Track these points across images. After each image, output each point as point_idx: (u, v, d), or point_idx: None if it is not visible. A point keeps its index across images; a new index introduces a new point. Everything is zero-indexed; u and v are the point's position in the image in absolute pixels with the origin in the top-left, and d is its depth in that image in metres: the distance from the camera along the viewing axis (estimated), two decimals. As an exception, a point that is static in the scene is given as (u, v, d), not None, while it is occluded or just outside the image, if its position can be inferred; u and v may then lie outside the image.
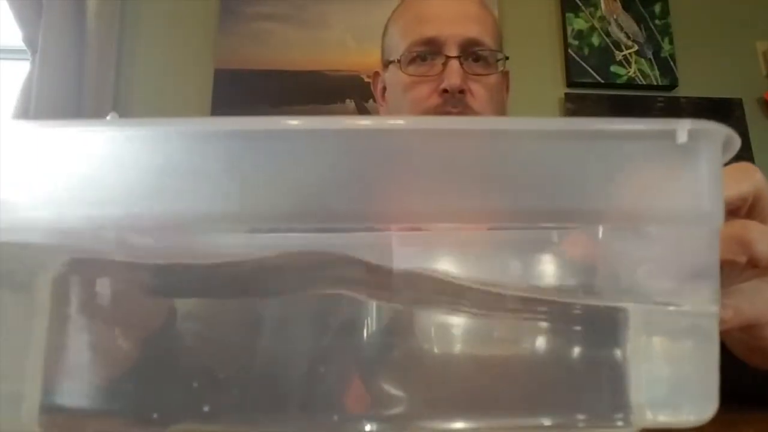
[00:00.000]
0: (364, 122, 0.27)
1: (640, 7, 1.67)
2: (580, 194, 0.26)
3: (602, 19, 1.65)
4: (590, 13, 1.65)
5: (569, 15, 1.65)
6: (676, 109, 1.60)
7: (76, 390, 0.28)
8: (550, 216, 0.26)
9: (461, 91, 0.64)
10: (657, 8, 1.67)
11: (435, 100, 0.65)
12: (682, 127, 0.25)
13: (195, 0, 1.59)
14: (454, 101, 0.65)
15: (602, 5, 1.66)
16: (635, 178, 0.26)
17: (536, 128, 0.26)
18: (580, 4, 1.66)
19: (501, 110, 0.71)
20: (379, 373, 0.29)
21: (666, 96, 1.62)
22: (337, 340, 0.29)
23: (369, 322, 0.29)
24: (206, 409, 0.27)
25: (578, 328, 0.29)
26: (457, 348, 0.30)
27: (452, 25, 0.67)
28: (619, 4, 1.66)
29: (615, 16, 1.65)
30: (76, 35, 1.45)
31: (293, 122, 0.26)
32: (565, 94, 1.60)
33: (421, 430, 0.29)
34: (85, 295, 0.29)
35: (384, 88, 0.75)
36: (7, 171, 0.26)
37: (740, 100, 1.62)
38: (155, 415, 0.28)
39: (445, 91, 0.64)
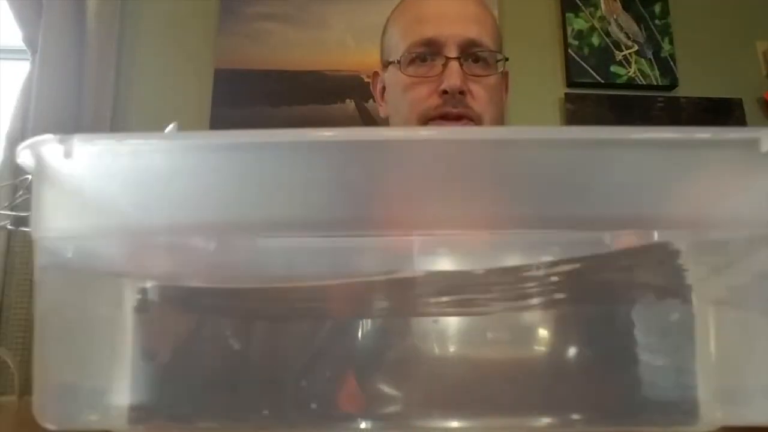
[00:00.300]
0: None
1: (640, 7, 1.66)
2: (659, 201, 0.27)
3: (602, 19, 1.65)
4: (590, 13, 1.65)
5: (569, 15, 1.64)
6: (676, 109, 1.60)
7: (162, 392, 0.30)
8: (629, 222, 0.27)
9: (461, 92, 0.64)
10: (657, 8, 1.67)
11: (435, 100, 0.65)
12: (767, 136, 0.25)
13: (195, 0, 1.59)
14: (453, 102, 0.64)
15: (602, 5, 1.66)
16: (714, 184, 0.26)
17: (617, 137, 0.27)
18: (580, 4, 1.65)
19: (500, 111, 0.71)
20: (380, 373, 0.29)
21: (666, 96, 1.62)
22: (332, 340, 0.29)
23: (364, 321, 0.30)
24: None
25: (631, 315, 0.29)
26: (471, 349, 0.30)
27: (452, 26, 0.67)
28: (619, 4, 1.66)
29: (615, 16, 1.65)
30: (76, 35, 1.45)
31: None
32: (565, 94, 1.60)
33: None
34: (162, 313, 0.31)
35: (383, 89, 0.75)
36: (85, 182, 0.28)
37: (740, 100, 1.62)
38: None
39: (445, 92, 0.64)
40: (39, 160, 0.29)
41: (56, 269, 0.30)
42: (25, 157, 0.30)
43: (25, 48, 1.45)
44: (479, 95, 0.66)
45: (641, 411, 0.27)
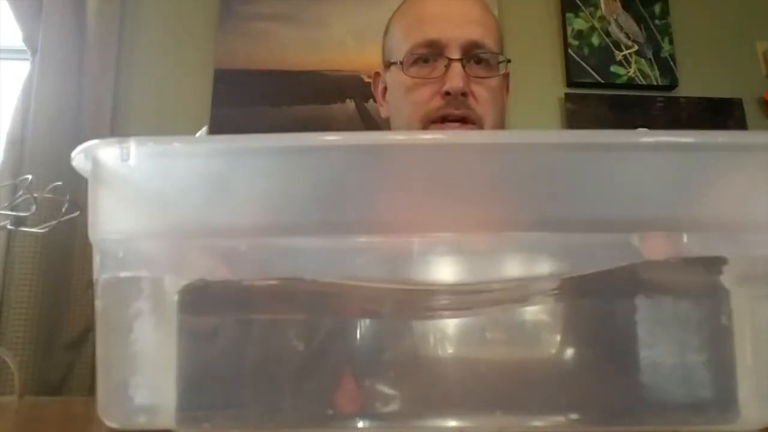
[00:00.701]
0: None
1: (640, 7, 1.66)
2: (686, 204, 0.27)
3: (602, 19, 1.65)
4: (590, 13, 1.65)
5: (569, 15, 1.64)
6: (676, 109, 1.60)
7: (209, 391, 0.30)
8: (647, 224, 0.27)
9: (463, 94, 0.64)
10: (657, 8, 1.67)
11: (437, 102, 0.65)
12: None
13: (195, 0, 1.59)
14: (456, 104, 0.65)
15: (602, 5, 1.66)
16: (743, 187, 0.26)
17: (634, 141, 0.27)
18: (580, 4, 1.65)
19: (502, 112, 0.71)
20: (383, 373, 0.29)
21: (666, 96, 1.62)
22: (331, 340, 0.29)
23: (362, 323, 0.30)
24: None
25: (667, 313, 0.29)
26: (480, 349, 0.30)
27: (454, 28, 0.67)
28: (619, 4, 1.66)
29: (615, 16, 1.65)
30: (76, 35, 1.45)
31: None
32: (565, 94, 1.60)
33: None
34: (201, 313, 0.31)
35: (385, 89, 0.75)
36: (142, 184, 0.29)
37: (740, 100, 1.62)
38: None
39: (447, 93, 0.64)
40: (95, 162, 0.29)
41: (113, 270, 0.30)
42: (79, 160, 0.30)
43: (25, 48, 1.45)
44: (481, 97, 0.66)
45: (680, 410, 0.27)
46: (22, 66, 1.48)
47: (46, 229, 0.50)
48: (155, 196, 0.29)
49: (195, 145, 0.29)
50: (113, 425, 0.29)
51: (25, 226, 0.49)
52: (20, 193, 0.47)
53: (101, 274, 0.30)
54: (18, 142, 1.38)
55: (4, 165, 1.37)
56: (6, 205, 0.48)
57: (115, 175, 0.29)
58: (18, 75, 1.47)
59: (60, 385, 1.30)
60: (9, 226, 0.48)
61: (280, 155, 0.28)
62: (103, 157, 0.29)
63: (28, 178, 0.47)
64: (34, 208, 0.47)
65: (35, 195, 0.47)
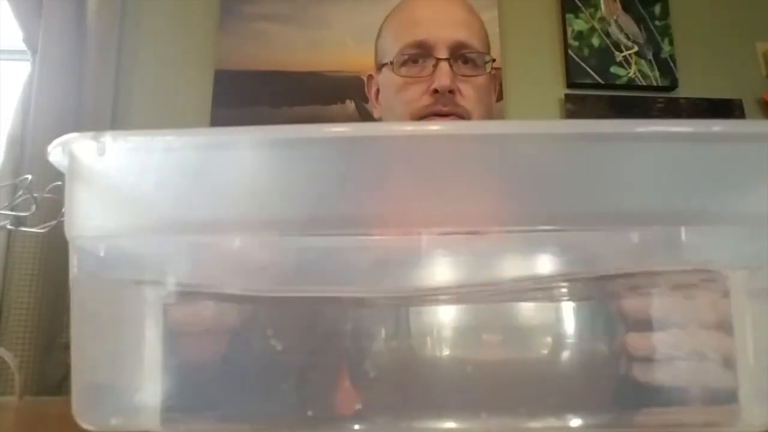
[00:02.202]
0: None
1: (640, 8, 1.67)
2: (684, 197, 0.26)
3: (602, 20, 1.65)
4: (590, 14, 1.65)
5: (569, 16, 1.64)
6: (676, 110, 1.60)
7: (195, 392, 0.30)
8: (649, 219, 0.26)
9: (451, 91, 0.67)
10: (657, 9, 1.67)
11: (426, 100, 0.68)
12: None
13: (195, 0, 1.59)
14: (444, 101, 0.67)
15: (602, 6, 1.66)
16: (740, 178, 0.26)
17: (641, 131, 0.26)
18: (580, 4, 1.66)
19: (489, 110, 0.74)
20: (377, 374, 0.29)
21: (666, 97, 1.62)
22: (322, 342, 0.29)
23: (361, 324, 0.29)
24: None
25: (663, 312, 0.28)
26: (479, 351, 0.30)
27: (442, 29, 0.70)
28: (619, 5, 1.66)
29: (615, 17, 1.65)
30: (76, 35, 1.45)
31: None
32: (565, 95, 1.60)
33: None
34: (187, 313, 0.31)
35: (377, 90, 0.78)
36: (119, 179, 0.28)
37: (740, 100, 1.62)
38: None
39: (436, 91, 0.67)
40: (71, 158, 0.29)
41: (90, 269, 0.30)
42: (56, 155, 0.29)
43: (25, 48, 1.45)
44: (468, 94, 0.68)
45: (680, 411, 0.27)
46: (22, 66, 1.48)
47: (46, 229, 0.50)
48: (134, 191, 0.28)
49: (173, 140, 0.28)
50: (89, 427, 0.28)
51: (25, 226, 0.49)
52: (20, 193, 0.47)
53: (79, 272, 0.30)
54: (18, 142, 1.38)
55: (4, 165, 1.37)
56: (6, 205, 0.48)
57: (92, 171, 0.28)
58: (18, 75, 1.48)
59: (60, 385, 1.30)
60: (9, 226, 0.48)
61: (262, 148, 0.28)
62: (79, 152, 0.28)
63: (28, 178, 0.47)
64: (34, 208, 0.47)
65: (35, 195, 0.47)
